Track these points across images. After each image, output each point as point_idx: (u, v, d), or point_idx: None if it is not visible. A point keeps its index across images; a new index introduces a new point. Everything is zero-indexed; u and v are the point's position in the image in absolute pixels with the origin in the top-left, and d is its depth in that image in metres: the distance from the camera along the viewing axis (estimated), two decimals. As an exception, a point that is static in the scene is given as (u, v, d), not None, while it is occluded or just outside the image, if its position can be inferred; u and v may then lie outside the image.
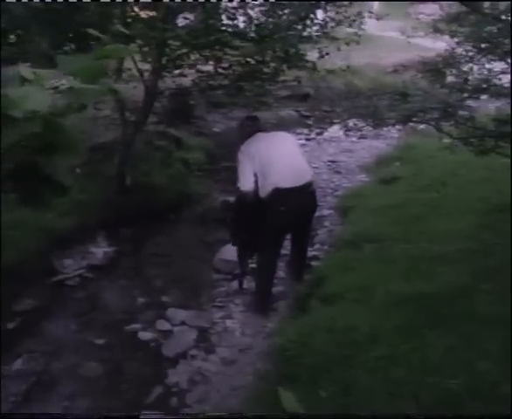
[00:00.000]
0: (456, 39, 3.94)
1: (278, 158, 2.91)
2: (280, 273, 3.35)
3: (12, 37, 3.36)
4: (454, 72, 3.44)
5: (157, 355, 2.72)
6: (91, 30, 1.01)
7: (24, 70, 0.68)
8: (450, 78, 3.48)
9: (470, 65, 3.44)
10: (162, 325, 2.95)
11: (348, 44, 4.56)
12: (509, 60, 3.05)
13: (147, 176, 4.51)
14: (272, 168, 2.86)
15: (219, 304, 3.19)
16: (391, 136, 6.79)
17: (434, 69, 3.55)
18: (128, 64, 4.36)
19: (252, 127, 3.10)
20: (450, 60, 3.61)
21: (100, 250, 3.78)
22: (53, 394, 2.43)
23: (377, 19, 5.86)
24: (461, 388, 1.66)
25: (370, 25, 6.41)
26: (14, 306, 3.04)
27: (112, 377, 2.55)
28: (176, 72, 4.48)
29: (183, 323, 2.97)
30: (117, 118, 4.35)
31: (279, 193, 2.82)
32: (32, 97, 0.64)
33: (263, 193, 2.89)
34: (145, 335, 2.87)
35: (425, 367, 1.83)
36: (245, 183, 2.93)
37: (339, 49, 4.62)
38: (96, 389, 2.46)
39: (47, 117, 0.66)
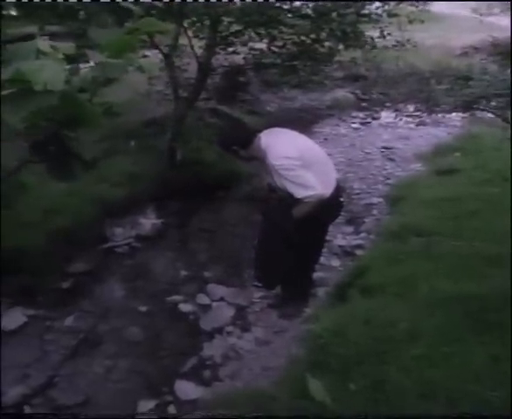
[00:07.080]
0: (537, 17, 3.55)
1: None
2: (322, 259, 3.31)
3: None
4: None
5: (195, 328, 2.80)
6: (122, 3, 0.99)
7: (42, 43, 0.67)
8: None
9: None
10: (202, 299, 3.03)
11: (411, 22, 4.25)
12: None
13: (197, 152, 4.58)
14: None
15: (259, 284, 3.21)
16: (453, 124, 6.40)
17: (506, 52, 3.23)
18: (182, 40, 4.40)
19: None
20: (526, 41, 3.26)
21: (148, 222, 3.93)
22: (98, 352, 2.58)
23: None
24: (501, 401, 1.56)
25: (439, 3, 5.96)
26: (68, 268, 3.25)
27: (151, 343, 2.66)
28: (230, 49, 4.44)
29: (222, 299, 3.04)
30: (170, 93, 4.42)
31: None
32: (47, 70, 0.62)
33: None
34: (185, 307, 2.96)
35: (463, 374, 1.74)
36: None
37: (400, 28, 4.33)
38: (136, 353, 2.58)
39: (65, 91, 0.65)
